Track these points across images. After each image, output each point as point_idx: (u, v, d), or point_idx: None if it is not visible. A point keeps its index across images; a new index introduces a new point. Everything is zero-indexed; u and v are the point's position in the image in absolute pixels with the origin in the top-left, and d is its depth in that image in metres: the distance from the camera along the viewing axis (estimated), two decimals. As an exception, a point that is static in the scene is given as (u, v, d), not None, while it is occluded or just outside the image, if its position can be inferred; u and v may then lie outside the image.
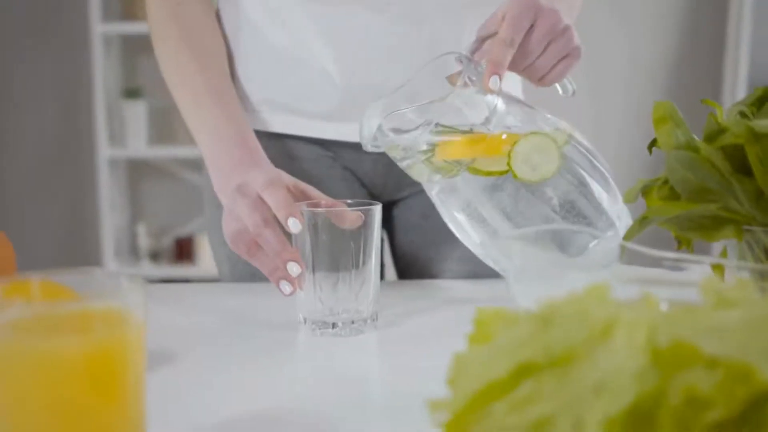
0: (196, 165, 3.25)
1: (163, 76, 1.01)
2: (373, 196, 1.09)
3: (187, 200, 3.32)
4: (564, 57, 0.88)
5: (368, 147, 0.84)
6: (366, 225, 0.80)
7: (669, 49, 3.17)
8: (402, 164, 0.86)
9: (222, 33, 1.06)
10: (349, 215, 0.79)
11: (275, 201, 0.80)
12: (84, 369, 0.43)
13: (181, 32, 1.01)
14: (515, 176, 0.81)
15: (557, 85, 0.92)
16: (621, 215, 0.86)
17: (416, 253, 1.10)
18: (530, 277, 0.57)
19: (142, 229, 3.22)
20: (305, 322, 0.81)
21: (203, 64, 1.00)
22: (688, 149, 0.63)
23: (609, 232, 0.86)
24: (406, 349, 0.77)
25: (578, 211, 0.83)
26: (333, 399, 0.64)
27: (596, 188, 0.84)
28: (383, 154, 0.87)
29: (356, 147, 1.04)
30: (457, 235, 0.88)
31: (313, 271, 0.79)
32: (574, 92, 0.94)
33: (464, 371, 0.42)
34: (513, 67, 0.86)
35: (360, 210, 0.79)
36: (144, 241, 3.22)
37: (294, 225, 0.78)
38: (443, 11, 1.01)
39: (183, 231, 3.31)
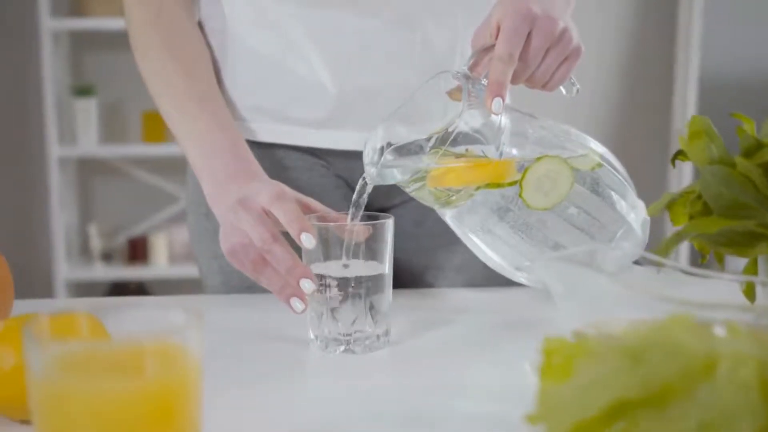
0: (149, 164, 3.19)
1: (147, 85, 0.98)
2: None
3: (140, 199, 3.25)
4: (564, 60, 0.87)
5: (375, 179, 0.81)
6: (378, 239, 0.78)
7: (619, 48, 3.20)
8: (411, 192, 0.84)
9: (206, 41, 1.03)
10: (358, 229, 0.77)
11: (286, 215, 0.77)
12: (142, 410, 0.41)
13: (164, 39, 0.97)
14: (528, 205, 0.80)
15: (561, 87, 0.91)
16: (637, 208, 0.86)
17: (409, 260, 1.08)
18: (580, 298, 0.55)
19: (93, 230, 3.14)
20: (316, 339, 0.78)
21: (188, 71, 0.96)
22: (722, 164, 0.62)
23: (626, 242, 0.85)
24: (423, 365, 0.75)
25: (595, 221, 0.83)
26: (352, 420, 0.62)
27: (615, 197, 0.83)
28: None
29: (349, 155, 1.02)
30: (477, 254, 0.87)
31: (325, 287, 0.77)
32: (578, 91, 0.93)
33: (552, 409, 0.40)
34: (514, 79, 0.84)
35: (372, 223, 0.78)
36: (96, 242, 3.13)
37: (307, 240, 0.76)
38: (436, 14, 0.99)
39: (136, 231, 3.24)
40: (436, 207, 0.85)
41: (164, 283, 3.22)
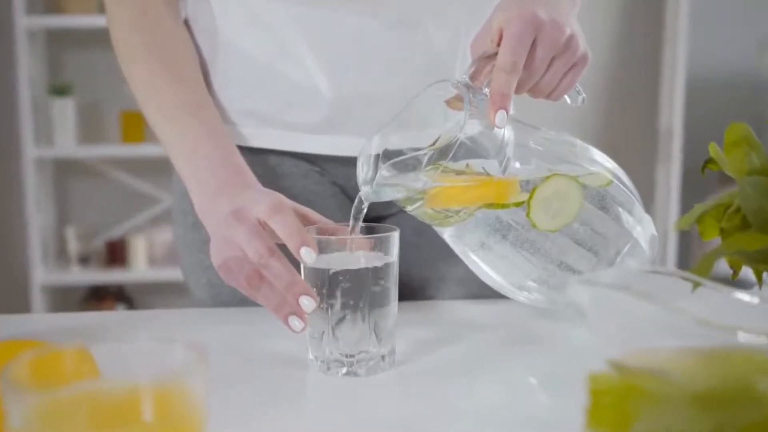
0: (127, 165, 3.12)
1: (132, 90, 0.92)
2: (361, 212, 1.02)
3: (118, 201, 3.18)
4: (570, 68, 0.82)
5: (371, 196, 0.76)
6: (383, 253, 0.72)
7: (606, 48, 3.17)
8: (410, 211, 0.79)
9: (194, 42, 0.97)
10: (360, 242, 0.72)
11: (284, 228, 0.72)
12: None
13: (149, 43, 0.91)
14: (535, 226, 0.75)
15: (566, 96, 0.87)
16: (643, 223, 0.82)
17: (409, 272, 1.03)
18: (616, 324, 0.50)
19: (71, 232, 3.06)
20: (316, 360, 0.73)
21: (176, 75, 0.91)
22: (764, 175, 0.57)
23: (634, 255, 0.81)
24: (429, 388, 0.70)
25: (601, 238, 0.79)
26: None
27: (622, 213, 0.79)
28: None
29: (345, 161, 0.97)
30: (476, 273, 0.82)
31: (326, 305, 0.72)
32: (583, 100, 0.88)
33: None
34: (517, 89, 0.78)
35: (377, 236, 0.72)
36: (73, 245, 3.06)
37: (307, 255, 0.70)
38: (436, 13, 0.94)
39: (114, 233, 3.17)
40: (434, 225, 0.81)
41: (143, 287, 3.16)
